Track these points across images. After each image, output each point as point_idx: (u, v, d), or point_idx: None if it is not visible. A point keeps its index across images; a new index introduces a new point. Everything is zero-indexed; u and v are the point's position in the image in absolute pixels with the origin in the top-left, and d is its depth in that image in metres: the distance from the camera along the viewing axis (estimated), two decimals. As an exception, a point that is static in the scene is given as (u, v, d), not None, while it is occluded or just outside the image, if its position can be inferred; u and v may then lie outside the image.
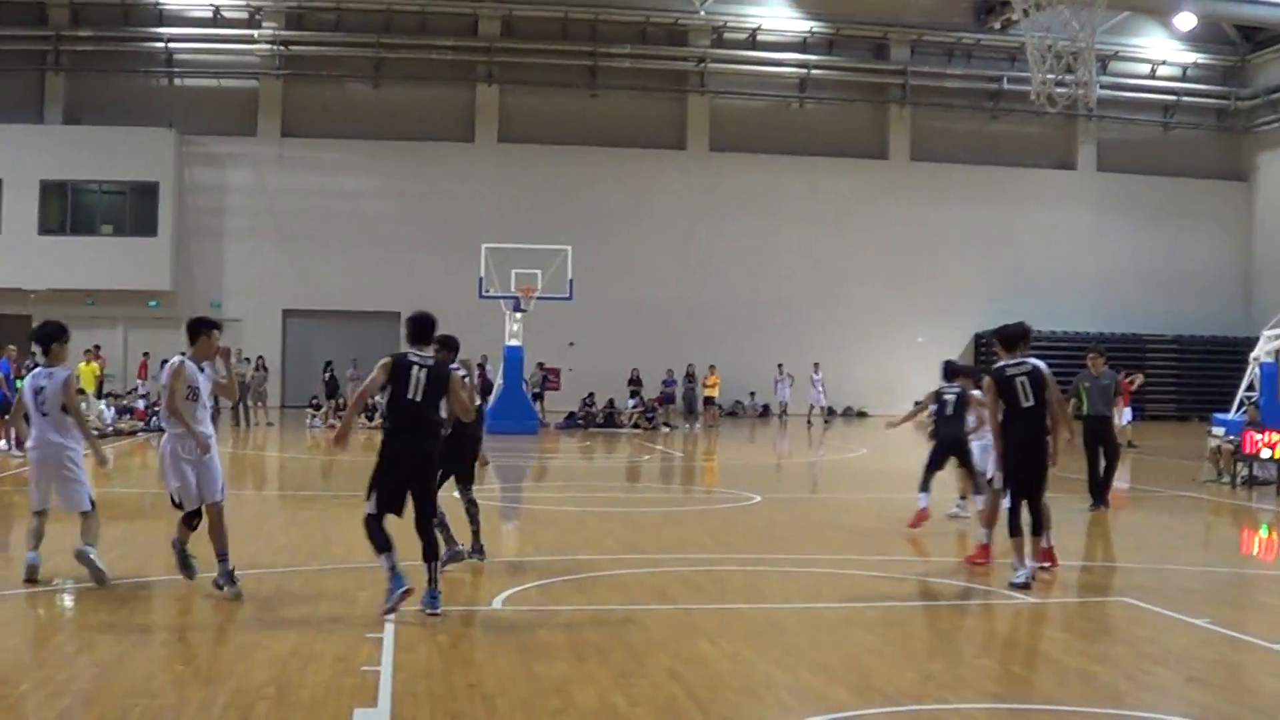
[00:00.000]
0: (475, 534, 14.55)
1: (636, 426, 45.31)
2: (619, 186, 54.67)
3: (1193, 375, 56.39)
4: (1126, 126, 59.34)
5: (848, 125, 57.27)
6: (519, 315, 40.77)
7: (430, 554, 11.82)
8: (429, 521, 12.06)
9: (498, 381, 42.04)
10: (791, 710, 8.82)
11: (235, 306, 52.33)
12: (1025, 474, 13.82)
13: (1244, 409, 31.34)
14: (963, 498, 19.49)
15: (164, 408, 12.79)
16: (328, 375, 46.78)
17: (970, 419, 17.97)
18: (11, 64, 52.03)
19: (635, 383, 48.69)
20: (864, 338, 54.85)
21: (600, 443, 39.40)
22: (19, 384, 34.55)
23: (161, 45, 52.78)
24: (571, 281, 41.26)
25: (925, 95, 57.50)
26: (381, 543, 11.71)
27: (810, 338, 53.61)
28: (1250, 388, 36.40)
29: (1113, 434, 21.54)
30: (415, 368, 11.89)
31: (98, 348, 42.69)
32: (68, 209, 52.04)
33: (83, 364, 38.64)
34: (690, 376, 50.61)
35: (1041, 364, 14.03)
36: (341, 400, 45.09)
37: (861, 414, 54.76)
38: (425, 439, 11.98)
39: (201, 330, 12.91)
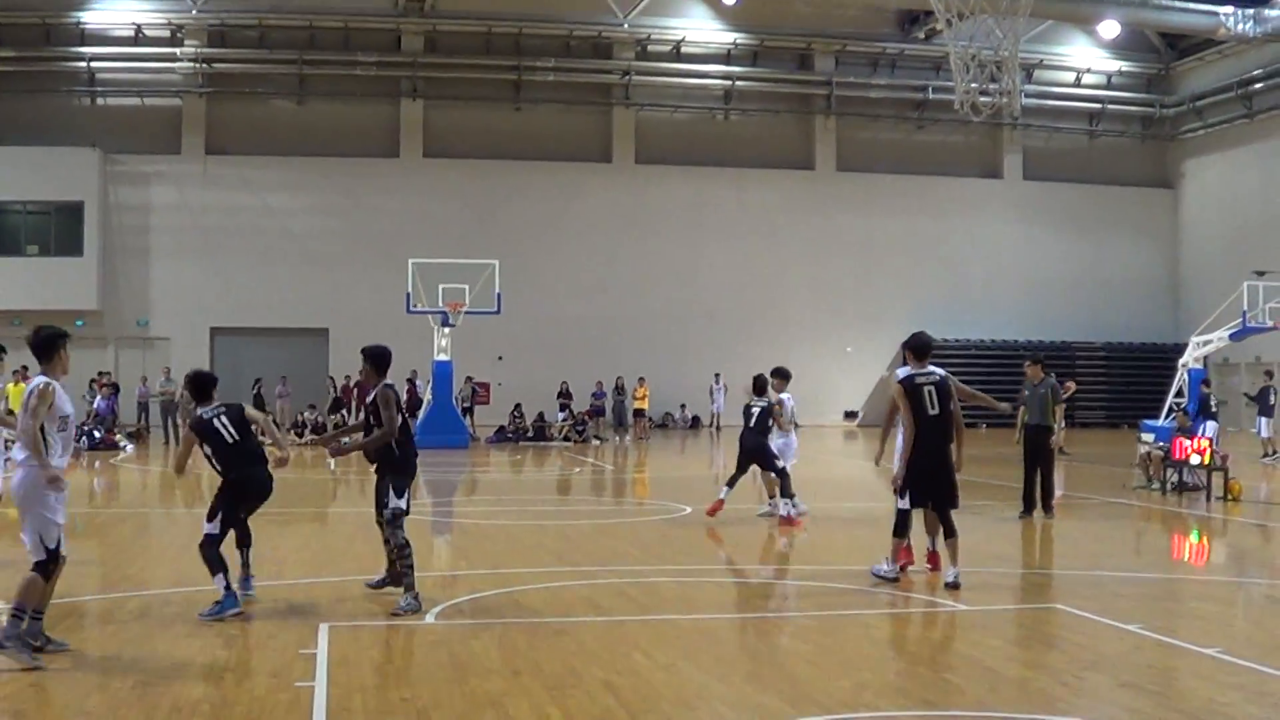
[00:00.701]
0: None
1: (567, 439, 45.33)
2: (546, 200, 54.64)
3: (1122, 382, 56.85)
4: (1052, 135, 59.96)
5: (774, 136, 57.48)
6: (447, 330, 40.71)
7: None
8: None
9: (427, 397, 41.99)
10: None
11: (163, 325, 52.05)
12: (929, 481, 14.16)
13: (1173, 415, 31.63)
14: (771, 498, 21.36)
15: (25, 437, 10.54)
16: (255, 392, 46.44)
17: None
18: (-67, 86, 51.58)
19: (565, 395, 48.73)
20: (793, 348, 54.79)
21: (531, 456, 39.36)
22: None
23: (84, 64, 52.29)
24: (499, 295, 41.21)
25: (851, 105, 57.75)
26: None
27: (739, 349, 53.73)
28: (1179, 394, 36.84)
29: (1048, 443, 21.63)
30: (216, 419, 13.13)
31: (25, 368, 42.18)
32: (-9, 229, 51.62)
33: (10, 384, 38.23)
34: (620, 389, 50.66)
35: (946, 374, 14.31)
36: (270, 415, 44.82)
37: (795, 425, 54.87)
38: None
39: (58, 343, 11.00)
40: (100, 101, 52.97)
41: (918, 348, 14.46)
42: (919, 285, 57.08)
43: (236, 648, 10.96)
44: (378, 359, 13.48)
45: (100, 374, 45.42)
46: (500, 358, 51.84)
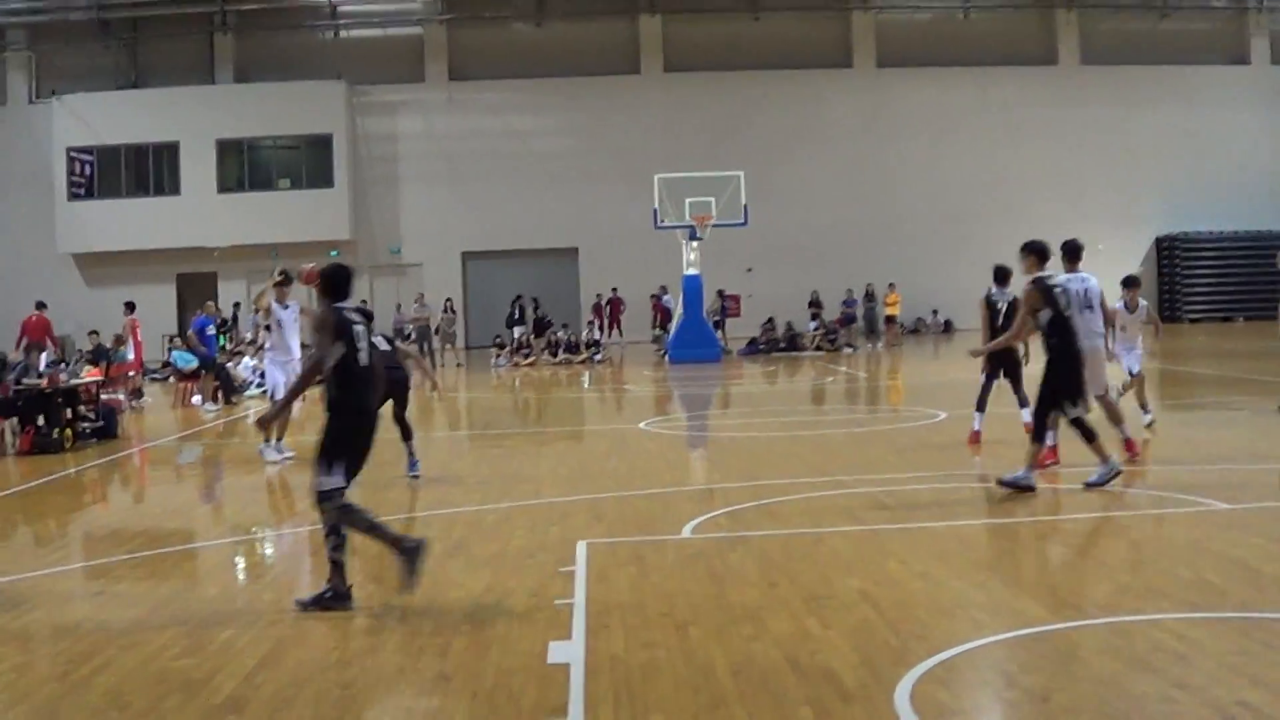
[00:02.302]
0: None
1: (819, 349, 45.19)
2: (787, 109, 54.29)
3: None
4: (1302, 14, 57.46)
5: (1015, 32, 56.20)
6: (695, 244, 40.78)
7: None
8: None
9: (678, 311, 42.17)
10: (984, 627, 8.74)
11: (414, 251, 53.12)
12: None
13: None
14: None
15: None
16: (518, 312, 46.73)
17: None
18: (180, 28, 53.18)
19: (815, 305, 48.52)
20: (1044, 248, 53.73)
21: (783, 367, 39.33)
22: (220, 340, 35.66)
23: (325, -1, 53.43)
24: (746, 207, 41.14)
25: (1093, -4, 56.19)
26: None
27: (989, 251, 52.69)
28: None
29: None
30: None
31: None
32: (244, 166, 53.24)
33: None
34: (870, 296, 50.22)
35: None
36: (527, 337, 45.43)
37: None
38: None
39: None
40: (343, 34, 54.16)
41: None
42: (1167, 179, 55.47)
43: (497, 568, 11.13)
44: (326, 279, 10.65)
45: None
46: (750, 270, 51.80)
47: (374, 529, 10.03)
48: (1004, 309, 18.17)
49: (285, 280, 19.53)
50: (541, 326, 46.29)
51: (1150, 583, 9.87)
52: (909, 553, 11.12)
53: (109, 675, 8.31)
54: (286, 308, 19.56)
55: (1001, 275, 18.70)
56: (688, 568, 10.86)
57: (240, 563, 12.52)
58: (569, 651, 8.42)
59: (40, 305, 35.76)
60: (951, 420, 20.92)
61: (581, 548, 11.59)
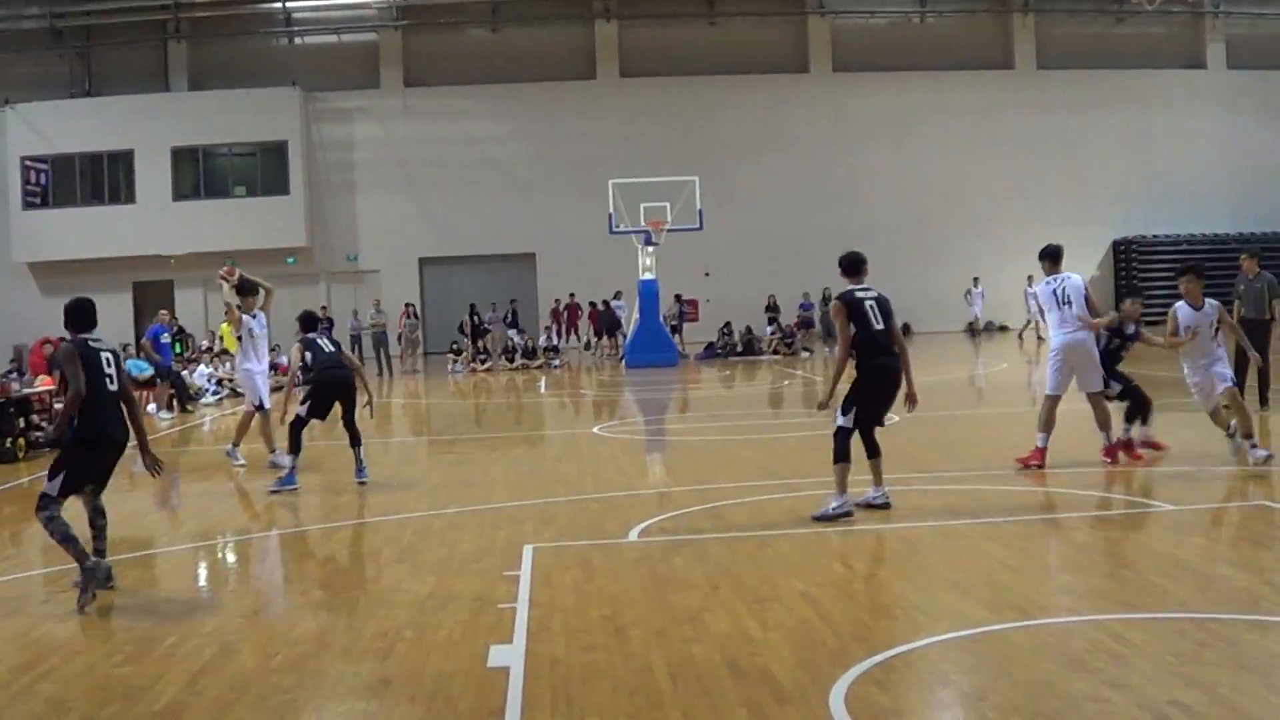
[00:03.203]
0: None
1: (776, 353, 45.29)
2: (745, 114, 54.36)
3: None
4: (1256, 21, 57.63)
5: (971, 37, 56.37)
6: (651, 249, 40.86)
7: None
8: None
9: (634, 316, 42.24)
10: (924, 628, 8.81)
11: (372, 258, 53.06)
12: (877, 398, 13.34)
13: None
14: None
15: None
16: (475, 320, 46.91)
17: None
18: (134, 34, 52.96)
19: (772, 309, 48.64)
20: (1003, 251, 53.84)
21: (739, 371, 39.40)
22: (176, 348, 35.55)
23: (280, 5, 53.36)
24: (701, 211, 41.26)
25: (1048, 0, 56.37)
26: None
27: (949, 255, 53.16)
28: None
29: (1267, 338, 20.92)
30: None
31: (238, 306, 43.31)
32: (200, 174, 53.03)
33: (224, 324, 39.27)
34: (827, 300, 50.26)
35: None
36: (482, 345, 45.57)
37: (1003, 328, 54.02)
38: None
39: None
40: (298, 41, 54.07)
41: (851, 265, 14.06)
42: (1126, 182, 55.71)
43: (443, 572, 11.17)
44: (68, 313, 11.14)
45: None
46: (707, 274, 51.91)
47: (66, 540, 10.49)
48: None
49: (249, 289, 19.85)
50: (479, 333, 46.40)
51: (1092, 584, 9.98)
52: (854, 555, 11.21)
53: (51, 683, 8.34)
54: (255, 317, 19.69)
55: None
56: (632, 571, 10.91)
57: (187, 570, 12.52)
58: (509, 655, 8.47)
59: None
60: (903, 423, 21.00)
61: (528, 552, 11.63)
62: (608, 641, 8.75)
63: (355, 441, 16.66)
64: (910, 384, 13.23)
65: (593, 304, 48.34)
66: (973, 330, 52.55)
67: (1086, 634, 8.48)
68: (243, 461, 19.24)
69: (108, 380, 10.73)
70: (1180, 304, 15.54)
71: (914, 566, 10.77)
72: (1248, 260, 21.66)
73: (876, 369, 13.14)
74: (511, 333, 47.04)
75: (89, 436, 10.68)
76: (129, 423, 10.97)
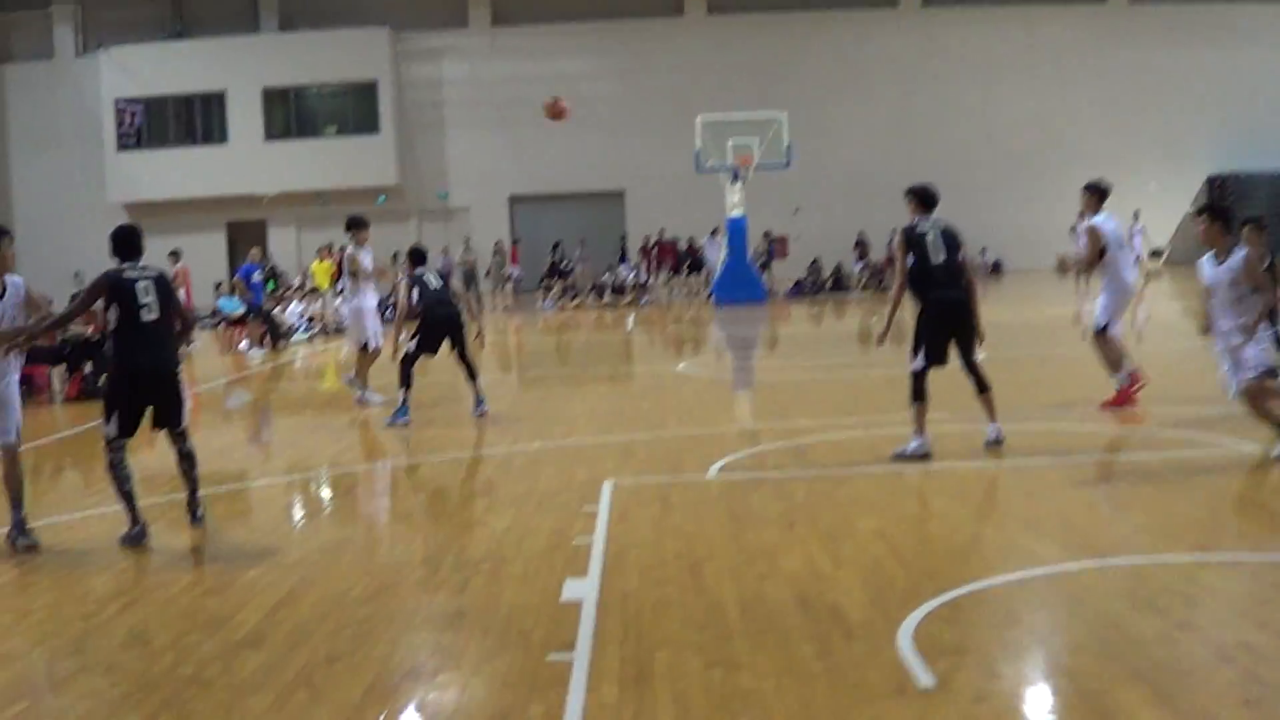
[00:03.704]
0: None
1: (864, 289, 45.17)
2: (832, 50, 53.93)
3: None
4: (1362, -51, 56.55)
5: (1064, -30, 55.70)
6: (738, 186, 40.77)
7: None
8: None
9: (721, 254, 42.25)
10: (996, 567, 8.83)
11: (462, 196, 53.26)
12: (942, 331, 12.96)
13: None
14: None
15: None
16: (558, 257, 47.11)
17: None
18: (225, -25, 53.33)
19: (861, 246, 48.43)
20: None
21: (827, 308, 39.36)
22: (269, 286, 36.01)
23: (369, -55, 53.48)
24: (789, 148, 41.09)
25: (1144, -68, 55.56)
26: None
27: (1038, 192, 52.58)
28: None
29: None
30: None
31: (331, 246, 43.75)
32: (291, 113, 53.40)
33: (315, 262, 39.77)
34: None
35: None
36: (572, 280, 45.78)
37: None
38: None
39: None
40: (387, -20, 54.16)
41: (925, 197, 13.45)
42: (1220, 117, 54.69)
43: (521, 507, 11.33)
44: (111, 241, 11.05)
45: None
46: (797, 210, 51.64)
47: (122, 493, 10.55)
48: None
49: (361, 224, 19.43)
50: (562, 271, 46.50)
51: (1168, 525, 9.92)
52: (931, 494, 11.24)
53: (134, 614, 8.59)
54: (367, 251, 19.44)
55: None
56: (709, 508, 11.01)
57: (274, 504, 12.75)
58: (583, 589, 8.59)
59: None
60: (987, 362, 20.93)
61: (607, 488, 11.74)
62: (680, 577, 8.86)
63: (471, 375, 16.96)
64: (976, 318, 12.95)
65: (662, 240, 48.06)
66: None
67: (1159, 575, 8.47)
68: (379, 399, 18.66)
69: (143, 309, 10.54)
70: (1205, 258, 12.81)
71: (990, 506, 10.81)
72: None
73: (935, 302, 12.78)
74: (622, 267, 47.24)
75: (120, 367, 10.72)
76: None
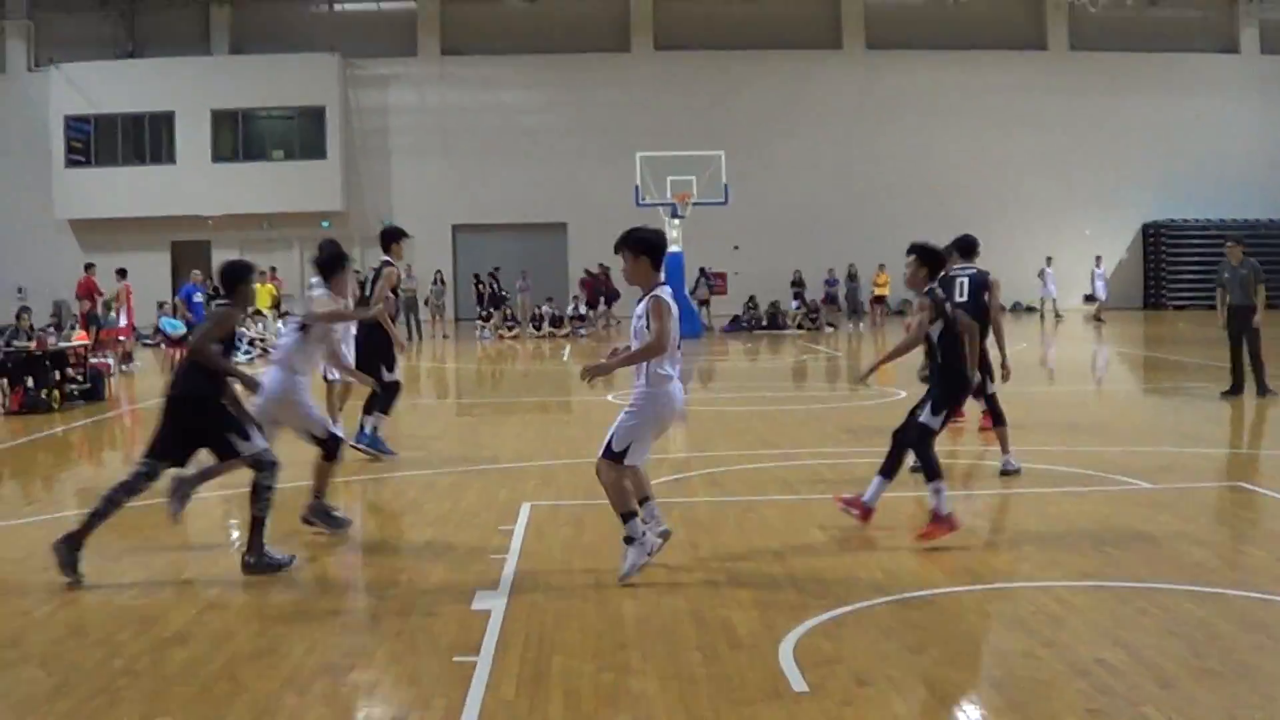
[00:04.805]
0: None
1: (800, 327, 45.84)
2: (776, 89, 54.77)
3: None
4: (1291, 5, 57.82)
5: (1004, 17, 56.64)
6: (677, 221, 41.38)
7: None
8: None
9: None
10: (884, 589, 9.38)
11: (405, 223, 52.05)
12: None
13: None
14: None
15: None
16: (493, 286, 47.51)
17: None
18: (178, -2, 53.77)
19: (798, 284, 49.13)
20: (1030, 233, 54.18)
21: (762, 345, 39.96)
22: (210, 306, 36.35)
23: (322, -29, 54.05)
24: (726, 186, 41.77)
25: (1083, -19, 56.64)
26: None
27: (978, 234, 52.98)
28: None
29: (1250, 323, 21.32)
30: None
31: (273, 269, 44.21)
32: (239, 136, 53.82)
33: (257, 285, 40.10)
34: (853, 276, 50.88)
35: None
36: (508, 310, 46.29)
37: (1030, 308, 54.27)
38: None
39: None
40: (338, 7, 54.94)
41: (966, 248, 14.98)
42: (1155, 166, 55.92)
43: (443, 525, 11.91)
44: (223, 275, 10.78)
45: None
46: (736, 247, 52.32)
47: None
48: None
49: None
50: (497, 300, 47.01)
51: (1052, 554, 10.52)
52: (833, 521, 11.77)
53: (72, 610, 9.17)
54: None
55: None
56: (620, 530, 11.52)
57: (208, 516, 13.20)
58: (493, 600, 9.16)
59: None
60: (910, 398, 21.51)
61: (525, 509, 12.29)
62: (585, 591, 9.47)
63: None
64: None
65: (587, 271, 48.57)
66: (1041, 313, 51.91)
67: (1033, 598, 9.11)
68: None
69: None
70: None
71: (887, 534, 11.32)
72: (1232, 248, 21.99)
73: None
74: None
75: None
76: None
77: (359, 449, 15.47)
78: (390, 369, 15.95)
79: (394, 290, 16.28)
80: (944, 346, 11.32)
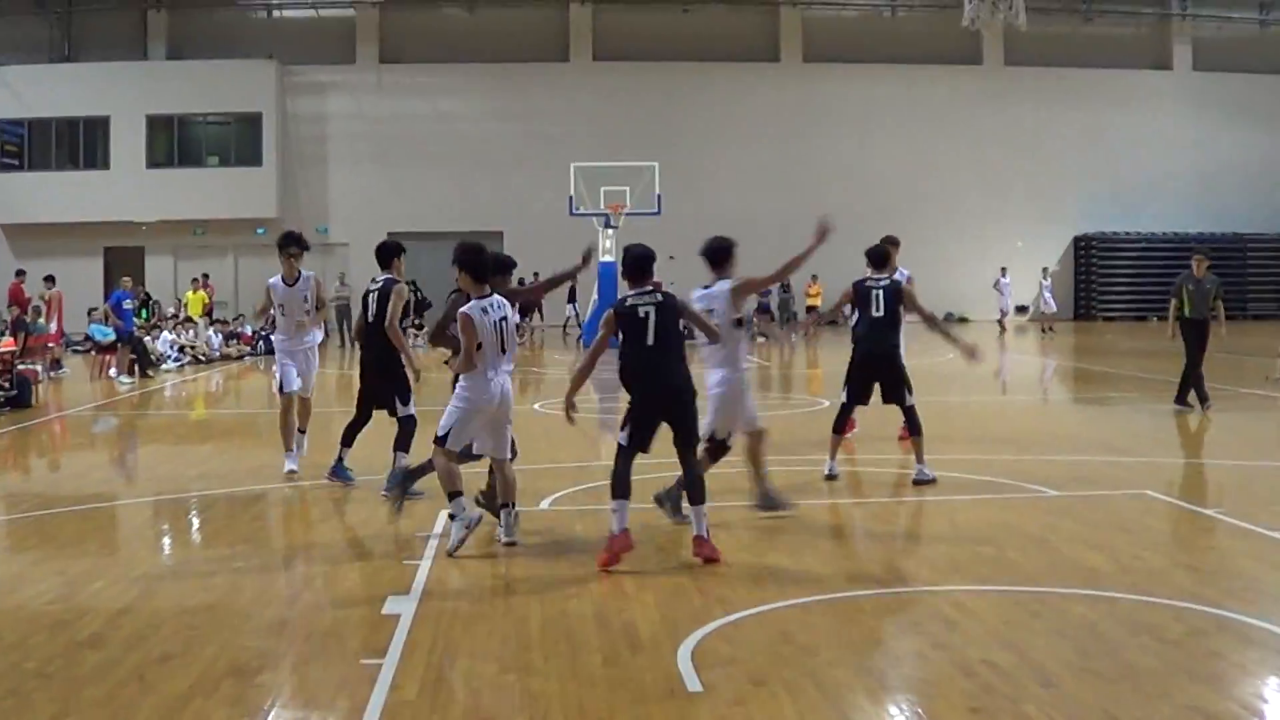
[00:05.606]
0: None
1: (733, 337, 46.01)
2: (715, 101, 55.09)
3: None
4: (1222, 24, 58.62)
5: (941, 32, 56.89)
6: (610, 232, 41.57)
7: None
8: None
9: (592, 297, 43.00)
10: (784, 593, 9.64)
11: (341, 231, 53.65)
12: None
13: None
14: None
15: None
16: (418, 295, 47.32)
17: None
18: (114, 2, 53.69)
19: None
20: (964, 244, 54.77)
21: (692, 354, 40.07)
22: (143, 314, 36.41)
23: (260, -23, 54.02)
24: (660, 197, 41.98)
25: (1018, -2, 57.24)
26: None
27: (911, 245, 53.50)
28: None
29: (1206, 337, 21.52)
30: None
31: (206, 276, 44.20)
32: (174, 142, 53.64)
33: (190, 292, 40.20)
34: (785, 287, 51.17)
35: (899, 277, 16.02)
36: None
37: (962, 319, 54.70)
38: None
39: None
40: (276, 14, 54.83)
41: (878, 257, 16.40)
42: (1088, 180, 56.66)
43: (361, 532, 12.20)
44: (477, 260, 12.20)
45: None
46: (672, 257, 52.16)
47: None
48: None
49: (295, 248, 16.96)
50: (421, 307, 47.06)
51: (953, 559, 10.84)
52: (744, 530, 12.02)
53: (-16, 616, 9.27)
54: (294, 284, 16.93)
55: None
56: (535, 537, 11.78)
57: (127, 523, 13.36)
58: (403, 604, 9.38)
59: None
60: (830, 409, 21.77)
61: (441, 516, 12.44)
62: (494, 596, 9.74)
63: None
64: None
65: (520, 280, 48.38)
66: (1002, 325, 51.87)
67: (930, 602, 9.43)
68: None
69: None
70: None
71: (796, 541, 11.57)
72: (1199, 260, 22.05)
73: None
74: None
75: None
76: None
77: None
78: (405, 402, 15.36)
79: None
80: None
